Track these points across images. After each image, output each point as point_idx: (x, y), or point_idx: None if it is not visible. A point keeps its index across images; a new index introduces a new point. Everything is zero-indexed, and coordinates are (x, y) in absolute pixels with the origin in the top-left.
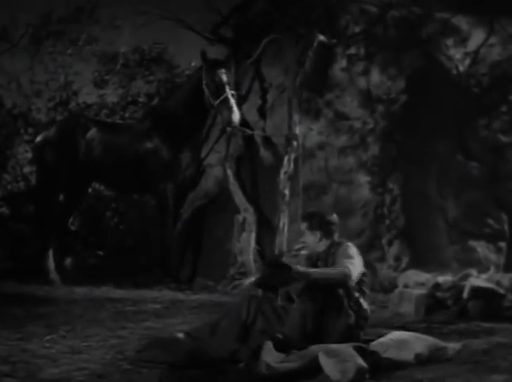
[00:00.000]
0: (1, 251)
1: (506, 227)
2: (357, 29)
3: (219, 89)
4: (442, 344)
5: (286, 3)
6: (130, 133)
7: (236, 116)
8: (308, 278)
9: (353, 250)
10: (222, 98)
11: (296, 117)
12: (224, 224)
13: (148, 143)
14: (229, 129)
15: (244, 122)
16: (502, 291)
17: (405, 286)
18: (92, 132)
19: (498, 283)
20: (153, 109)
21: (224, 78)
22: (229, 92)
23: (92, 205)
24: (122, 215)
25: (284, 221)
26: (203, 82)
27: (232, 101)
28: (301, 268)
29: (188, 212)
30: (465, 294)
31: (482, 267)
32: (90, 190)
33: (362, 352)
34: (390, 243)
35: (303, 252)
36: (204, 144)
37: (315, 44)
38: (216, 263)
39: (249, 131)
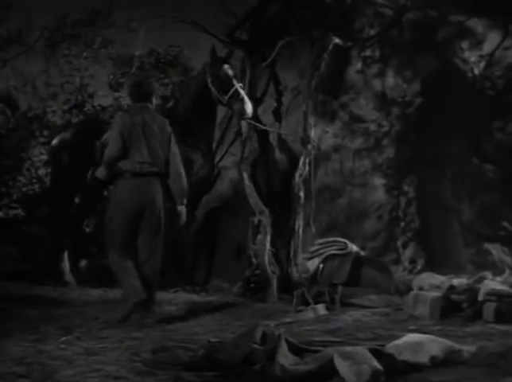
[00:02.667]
0: (16, 253)
1: None
2: (372, 32)
3: (225, 84)
4: (457, 346)
5: (301, 6)
6: None
7: (249, 107)
8: None
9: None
10: (231, 91)
11: (311, 119)
12: (239, 226)
13: None
14: (243, 121)
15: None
16: None
17: (420, 288)
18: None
19: None
20: (167, 111)
21: (230, 72)
22: (237, 85)
23: (107, 207)
24: None
25: (299, 223)
26: (209, 80)
27: (242, 92)
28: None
29: (203, 214)
30: (480, 297)
31: (497, 270)
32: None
33: (378, 354)
34: (405, 246)
35: None
36: (219, 146)
37: (330, 47)
38: (231, 265)
39: (261, 126)
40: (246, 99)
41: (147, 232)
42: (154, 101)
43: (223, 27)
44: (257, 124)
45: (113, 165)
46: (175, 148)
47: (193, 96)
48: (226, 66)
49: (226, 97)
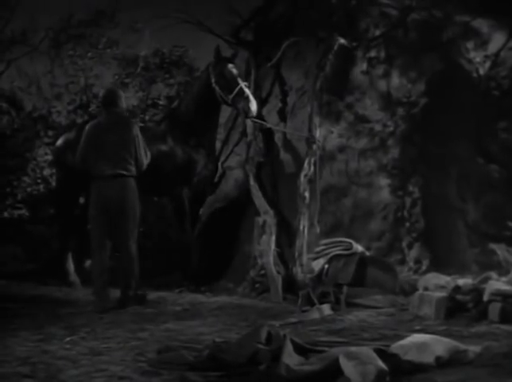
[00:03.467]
0: (20, 253)
1: None
2: (377, 32)
3: (230, 83)
4: (462, 347)
5: (306, 6)
6: (148, 135)
7: (254, 106)
8: None
9: None
10: (236, 90)
11: (316, 120)
12: (244, 227)
13: (162, 146)
14: (249, 121)
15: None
16: None
17: (425, 288)
18: None
19: None
20: (171, 111)
21: (234, 71)
22: (242, 83)
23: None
24: (142, 217)
25: (304, 224)
26: (212, 80)
27: (247, 91)
28: None
29: (208, 214)
30: (485, 297)
31: (503, 270)
32: None
33: (383, 354)
34: (410, 246)
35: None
36: (224, 146)
37: (335, 48)
38: (236, 265)
39: (266, 124)
40: (251, 97)
41: (120, 229)
42: (123, 105)
43: (228, 27)
44: (263, 122)
45: (81, 169)
46: (141, 148)
47: (196, 96)
48: (230, 65)
49: (231, 96)
